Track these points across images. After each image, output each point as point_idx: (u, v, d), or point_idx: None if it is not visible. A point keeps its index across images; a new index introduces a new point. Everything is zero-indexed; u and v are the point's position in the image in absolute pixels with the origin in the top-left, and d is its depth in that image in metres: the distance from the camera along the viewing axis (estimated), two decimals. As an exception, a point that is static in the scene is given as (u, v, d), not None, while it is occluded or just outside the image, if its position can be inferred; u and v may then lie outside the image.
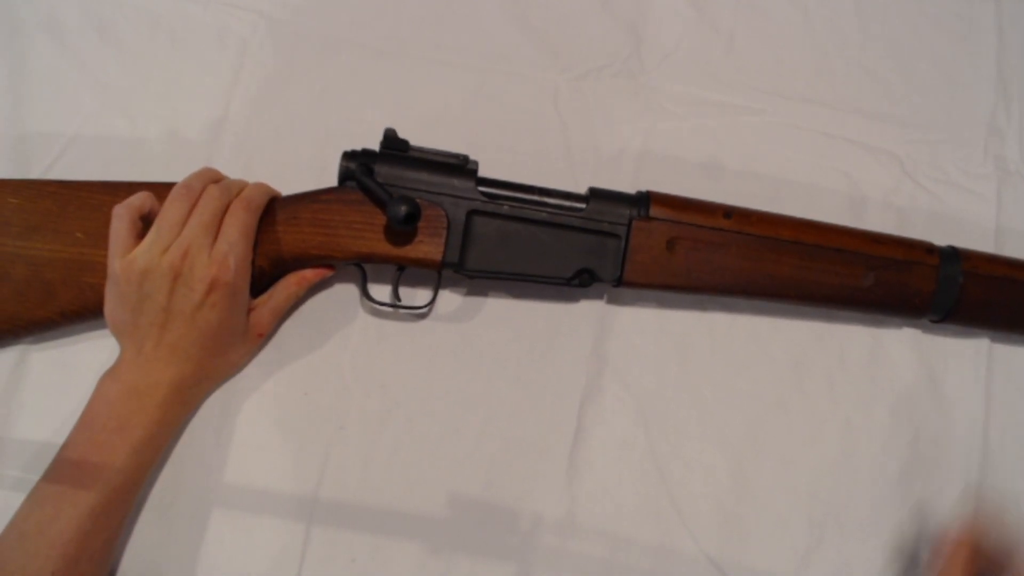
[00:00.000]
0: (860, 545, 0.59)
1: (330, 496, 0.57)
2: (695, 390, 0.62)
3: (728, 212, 0.59)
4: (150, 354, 0.52)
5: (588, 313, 0.62)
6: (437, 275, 0.59)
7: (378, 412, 0.59)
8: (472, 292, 0.62)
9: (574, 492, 0.58)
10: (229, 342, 0.55)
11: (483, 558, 0.56)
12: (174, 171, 0.57)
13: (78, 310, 0.54)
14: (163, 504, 0.55)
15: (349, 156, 0.56)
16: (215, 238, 0.52)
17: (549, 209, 0.57)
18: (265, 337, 0.58)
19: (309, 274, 0.58)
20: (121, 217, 0.52)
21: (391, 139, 0.57)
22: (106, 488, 0.49)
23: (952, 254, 0.60)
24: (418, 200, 0.54)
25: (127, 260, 0.51)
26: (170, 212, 0.52)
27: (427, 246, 0.56)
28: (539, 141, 0.67)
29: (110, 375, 0.52)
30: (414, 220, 0.53)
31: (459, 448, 0.59)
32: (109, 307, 0.53)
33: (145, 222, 0.53)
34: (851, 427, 0.61)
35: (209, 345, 0.53)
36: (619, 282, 0.58)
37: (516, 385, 0.60)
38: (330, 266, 0.58)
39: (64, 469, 0.49)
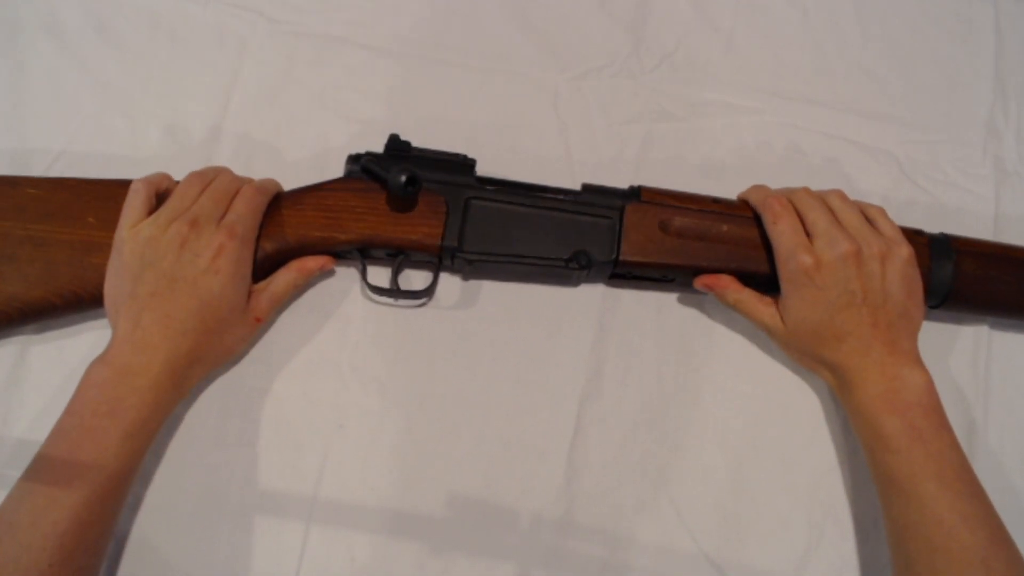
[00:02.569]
0: (860, 545, 0.59)
1: (329, 495, 0.57)
2: (694, 390, 0.62)
3: (717, 200, 0.60)
4: (147, 327, 0.51)
5: (587, 313, 0.62)
6: (436, 261, 0.59)
7: (377, 411, 0.59)
8: (471, 289, 0.62)
9: (573, 491, 0.58)
10: (227, 318, 0.54)
11: (482, 557, 0.56)
12: (174, 171, 0.57)
13: (77, 291, 0.54)
14: (162, 503, 0.55)
15: (354, 159, 0.58)
16: (224, 214, 0.54)
17: (545, 197, 0.59)
18: (263, 323, 0.58)
19: (310, 262, 0.58)
20: (138, 191, 0.54)
21: (395, 142, 0.59)
22: (101, 475, 0.48)
23: (943, 239, 0.60)
24: (419, 185, 0.55)
25: (135, 229, 0.52)
26: (182, 188, 0.55)
27: (427, 229, 0.57)
28: (538, 141, 0.67)
29: (99, 360, 0.51)
30: (414, 184, 0.54)
31: (458, 447, 0.59)
32: (109, 281, 0.53)
33: (159, 200, 0.55)
34: (850, 426, 0.61)
35: (207, 318, 0.52)
36: (615, 263, 0.58)
37: (515, 385, 0.60)
38: (332, 256, 0.58)
39: (55, 457, 0.48)
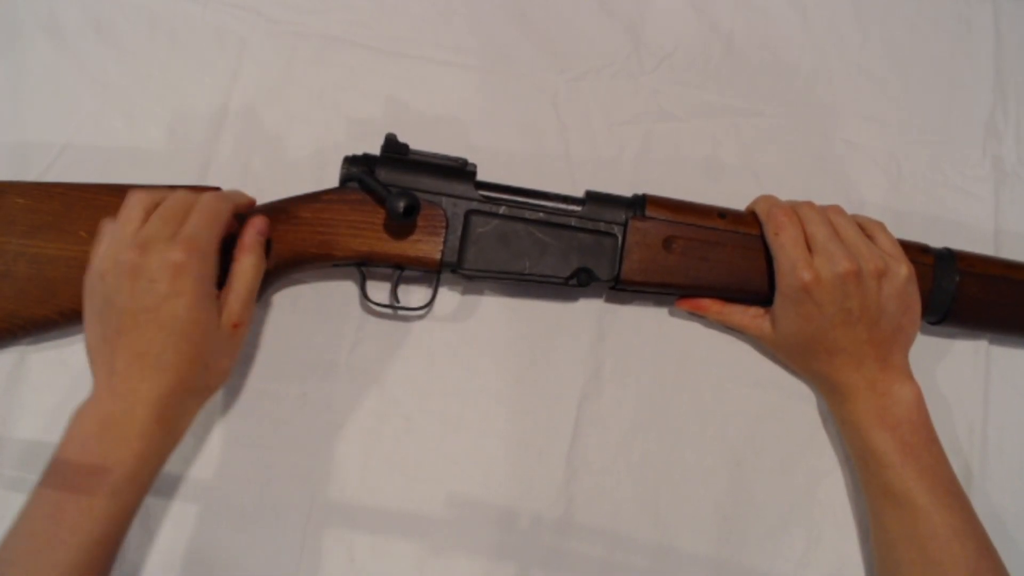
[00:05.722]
0: (859, 545, 0.59)
1: (329, 495, 0.57)
2: (693, 390, 0.62)
3: (723, 213, 0.59)
4: (123, 371, 0.46)
5: (587, 313, 0.62)
6: (436, 276, 0.59)
7: (377, 411, 0.59)
8: (471, 292, 0.62)
9: (572, 492, 0.58)
10: (204, 342, 0.48)
11: (481, 557, 0.56)
12: (173, 171, 0.57)
13: (77, 308, 0.53)
14: (162, 504, 0.55)
15: (350, 160, 0.57)
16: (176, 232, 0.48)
17: (546, 210, 0.58)
18: (244, 328, 0.51)
19: (246, 237, 0.52)
20: (102, 235, 0.49)
21: (391, 143, 0.58)
22: (87, 541, 0.44)
23: (947, 255, 0.60)
24: (419, 211, 0.54)
25: (89, 269, 0.48)
26: (124, 213, 0.49)
27: (426, 245, 0.56)
28: (538, 142, 0.67)
29: (81, 412, 0.46)
30: (413, 212, 0.53)
31: (457, 447, 0.59)
32: (86, 329, 0.49)
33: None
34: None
35: (183, 347, 0.47)
36: (617, 281, 0.58)
37: (515, 385, 0.60)
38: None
39: (36, 522, 0.44)
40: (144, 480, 0.47)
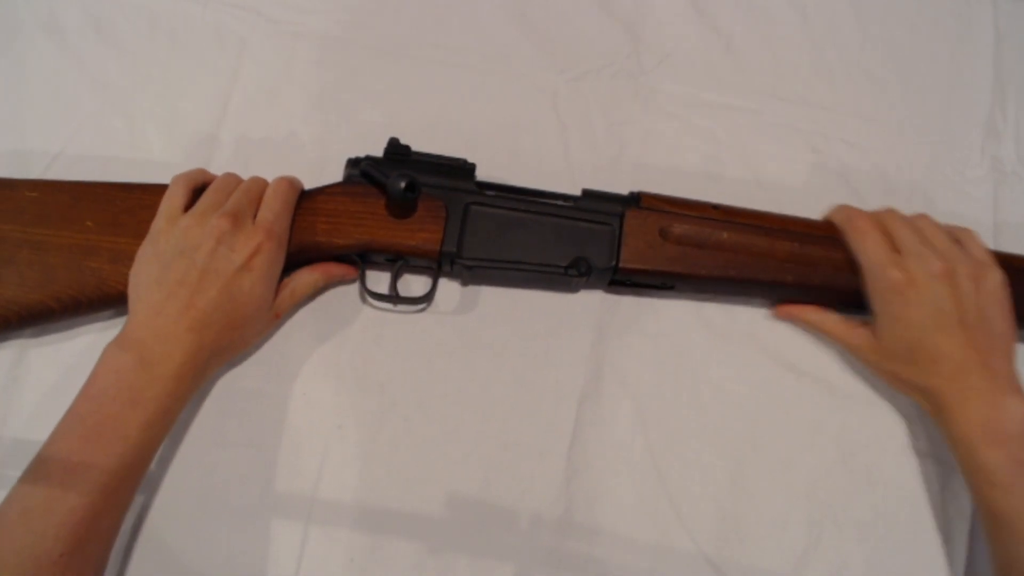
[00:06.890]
0: (858, 545, 0.59)
1: (328, 495, 0.57)
2: (693, 390, 0.62)
3: (715, 205, 0.60)
4: (171, 315, 0.50)
5: (586, 313, 0.62)
6: (436, 267, 0.59)
7: (376, 411, 0.59)
8: (470, 292, 0.62)
9: (572, 492, 0.58)
10: (252, 316, 0.54)
11: (481, 558, 0.56)
12: (173, 171, 0.57)
13: (74, 296, 0.54)
14: (161, 504, 0.55)
15: (354, 163, 0.58)
16: (256, 212, 0.55)
17: (544, 204, 0.59)
18: (280, 319, 0.58)
19: (334, 268, 0.59)
20: (178, 182, 0.56)
21: (394, 146, 0.59)
22: (118, 464, 0.47)
23: None
24: (419, 191, 0.55)
25: (172, 219, 0.53)
26: (219, 183, 0.56)
27: (426, 234, 0.57)
28: (538, 142, 0.68)
29: (117, 344, 0.50)
30: (413, 191, 0.54)
31: (457, 447, 0.59)
32: (136, 267, 0.53)
33: (196, 196, 0.56)
34: (849, 427, 0.61)
35: (232, 314, 0.53)
36: (615, 271, 0.58)
37: (514, 385, 0.60)
38: (353, 265, 0.59)
39: (72, 442, 0.47)
40: (171, 418, 0.51)
